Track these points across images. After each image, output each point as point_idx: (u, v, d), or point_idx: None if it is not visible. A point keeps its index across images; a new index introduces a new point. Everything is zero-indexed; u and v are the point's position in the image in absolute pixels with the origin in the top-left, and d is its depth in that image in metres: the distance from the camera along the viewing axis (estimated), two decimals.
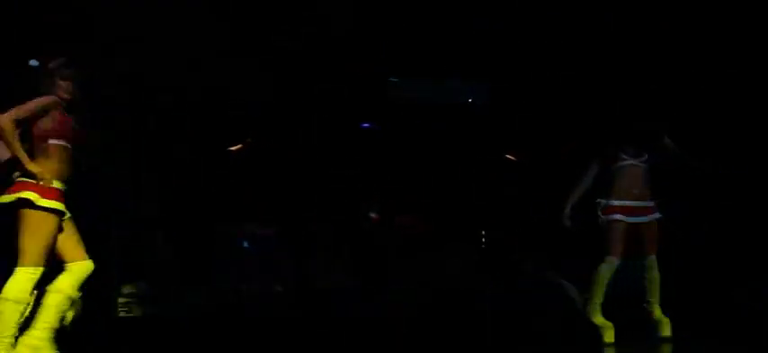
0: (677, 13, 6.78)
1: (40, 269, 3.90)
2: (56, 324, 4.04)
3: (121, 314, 6.79)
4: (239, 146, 8.06)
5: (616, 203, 5.14)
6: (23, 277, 3.87)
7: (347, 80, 7.80)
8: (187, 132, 7.60)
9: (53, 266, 4.04)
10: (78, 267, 4.12)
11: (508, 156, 8.56)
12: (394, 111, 8.17)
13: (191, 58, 7.11)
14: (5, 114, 3.86)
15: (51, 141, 4.03)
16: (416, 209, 8.48)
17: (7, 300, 3.83)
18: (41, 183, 3.90)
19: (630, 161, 5.18)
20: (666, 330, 5.12)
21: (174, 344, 5.54)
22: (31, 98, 3.99)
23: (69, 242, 4.14)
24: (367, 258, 7.97)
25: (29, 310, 3.91)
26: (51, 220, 3.94)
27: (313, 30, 6.94)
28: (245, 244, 7.82)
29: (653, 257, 5.17)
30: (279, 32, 6.97)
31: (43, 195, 3.90)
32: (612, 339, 5.02)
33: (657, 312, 5.16)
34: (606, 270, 5.11)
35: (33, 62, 4.08)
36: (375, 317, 6.70)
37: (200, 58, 7.14)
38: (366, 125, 8.52)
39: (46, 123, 4.02)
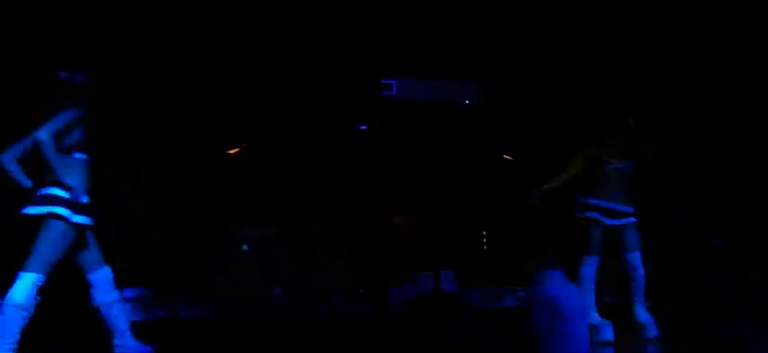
0: (677, 13, 6.78)
1: (44, 278, 3.91)
2: (129, 323, 4.32)
3: None
4: (236, 150, 8.06)
5: (594, 202, 5.18)
6: (30, 284, 3.86)
7: (347, 80, 7.80)
8: (187, 132, 7.60)
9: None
10: (101, 276, 4.22)
11: (507, 156, 8.56)
12: (393, 111, 8.16)
13: (190, 58, 7.12)
14: (43, 129, 3.88)
15: (76, 155, 4.04)
16: (416, 209, 8.47)
17: (13, 306, 3.82)
18: (72, 197, 3.93)
19: (614, 164, 5.20)
20: (651, 330, 5.12)
21: (175, 346, 5.54)
22: (51, 109, 4.00)
23: (92, 252, 4.21)
24: (366, 259, 7.95)
25: (30, 317, 3.92)
26: (73, 234, 3.96)
27: (313, 30, 6.94)
28: (245, 247, 7.81)
29: (636, 254, 5.20)
30: (279, 32, 6.97)
31: (75, 211, 3.92)
32: (611, 337, 5.03)
33: (642, 311, 5.17)
34: (588, 269, 5.15)
35: (62, 75, 4.12)
36: (375, 317, 6.69)
37: (200, 58, 7.15)
38: (363, 127, 8.51)
39: (72, 137, 4.04)
